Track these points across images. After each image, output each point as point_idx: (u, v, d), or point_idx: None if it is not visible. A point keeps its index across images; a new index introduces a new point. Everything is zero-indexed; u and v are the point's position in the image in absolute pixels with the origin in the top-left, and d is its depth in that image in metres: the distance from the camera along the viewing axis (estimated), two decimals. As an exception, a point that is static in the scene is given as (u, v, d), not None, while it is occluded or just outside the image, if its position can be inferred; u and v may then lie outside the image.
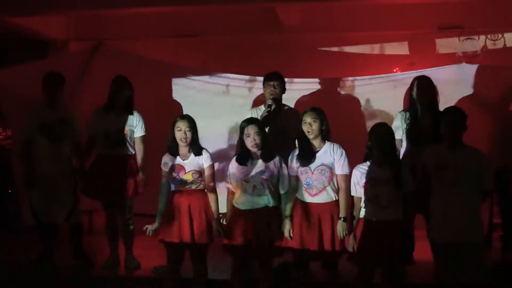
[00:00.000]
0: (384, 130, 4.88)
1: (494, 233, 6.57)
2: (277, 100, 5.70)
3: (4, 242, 6.95)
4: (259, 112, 5.74)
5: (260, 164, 4.98)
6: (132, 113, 5.99)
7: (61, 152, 6.02)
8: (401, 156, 5.58)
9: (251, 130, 4.95)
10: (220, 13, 8.55)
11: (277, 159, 5.03)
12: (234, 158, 5.10)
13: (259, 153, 4.98)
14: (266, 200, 4.95)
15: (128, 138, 5.95)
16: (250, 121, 5.05)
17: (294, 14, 8.32)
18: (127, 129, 5.95)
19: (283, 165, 5.04)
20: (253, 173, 4.96)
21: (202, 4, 7.33)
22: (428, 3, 7.78)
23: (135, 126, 5.98)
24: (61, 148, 6.01)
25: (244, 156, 5.02)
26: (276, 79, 5.72)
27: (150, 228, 5.08)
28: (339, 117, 6.31)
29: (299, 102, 6.69)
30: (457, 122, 4.73)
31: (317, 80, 7.11)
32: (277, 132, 5.57)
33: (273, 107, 5.63)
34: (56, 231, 6.16)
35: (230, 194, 5.09)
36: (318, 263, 5.35)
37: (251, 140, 4.93)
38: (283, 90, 5.78)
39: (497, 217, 6.62)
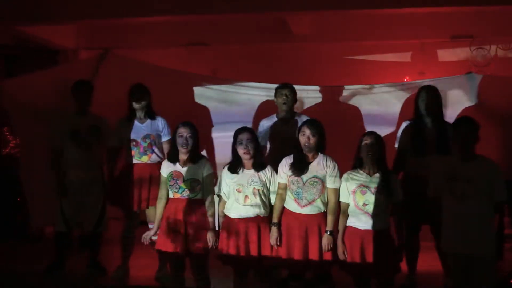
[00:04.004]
0: (374, 139, 4.83)
1: (506, 244, 6.50)
2: (289, 110, 5.78)
3: (12, 251, 6.97)
4: (271, 122, 5.83)
5: (251, 174, 4.98)
6: (155, 118, 5.96)
7: (91, 160, 5.99)
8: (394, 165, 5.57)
9: (243, 137, 4.95)
10: (230, 22, 8.57)
11: (269, 168, 5.03)
12: (226, 167, 5.09)
13: (250, 162, 4.98)
14: (258, 209, 4.95)
15: (157, 143, 5.91)
16: (243, 129, 5.06)
17: (304, 23, 8.32)
18: (153, 134, 5.91)
19: (275, 175, 5.03)
20: (244, 182, 4.95)
21: (213, 13, 7.34)
22: (439, 12, 7.75)
23: (161, 130, 5.93)
24: (91, 156, 5.98)
25: (235, 165, 5.02)
26: (287, 88, 5.78)
27: (146, 235, 5.13)
28: (344, 125, 6.31)
29: (308, 110, 6.67)
30: (470, 132, 4.65)
31: (324, 87, 7.05)
32: (288, 141, 5.54)
33: (286, 116, 5.74)
34: (71, 240, 6.15)
35: (222, 203, 5.09)
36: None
37: (243, 147, 4.93)
38: (295, 100, 5.84)
39: (508, 228, 6.56)
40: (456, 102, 6.27)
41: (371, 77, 8.46)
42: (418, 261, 5.54)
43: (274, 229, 4.92)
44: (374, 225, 4.74)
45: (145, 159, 5.89)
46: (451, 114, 5.66)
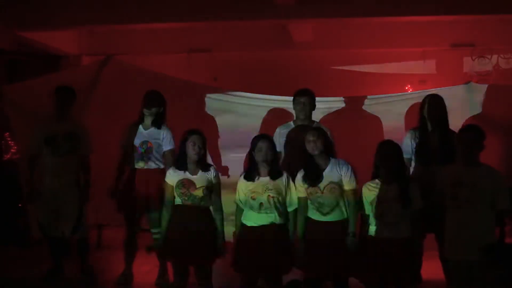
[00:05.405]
0: (391, 148, 4.85)
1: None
2: (307, 117, 5.76)
3: (13, 256, 6.96)
4: (287, 129, 5.80)
5: (267, 181, 4.96)
6: (159, 127, 5.91)
7: (66, 166, 5.97)
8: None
9: (263, 145, 4.92)
10: (232, 29, 8.58)
11: (284, 176, 5.01)
12: (242, 175, 5.08)
13: (267, 170, 4.97)
14: (273, 217, 4.92)
15: (154, 152, 5.86)
16: (263, 136, 5.05)
17: (306, 31, 8.34)
18: (152, 141, 5.86)
19: (291, 182, 5.02)
20: (260, 190, 4.93)
21: (215, 20, 7.36)
22: (440, 20, 7.77)
23: (162, 139, 5.86)
24: (66, 162, 5.96)
25: (251, 173, 5.00)
26: (306, 96, 5.76)
27: (157, 245, 5.12)
28: (352, 136, 6.31)
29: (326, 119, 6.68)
30: (474, 140, 4.68)
31: (332, 98, 7.07)
32: (304, 150, 5.56)
33: (303, 123, 5.71)
34: (66, 246, 6.15)
35: (239, 210, 5.07)
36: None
37: (263, 155, 4.90)
38: (313, 107, 5.82)
39: (509, 237, 6.54)
40: (455, 112, 6.28)
41: (371, 85, 8.48)
42: (424, 269, 5.51)
43: (301, 243, 4.93)
44: (393, 234, 4.72)
45: (141, 164, 5.86)
46: (451, 124, 5.65)
